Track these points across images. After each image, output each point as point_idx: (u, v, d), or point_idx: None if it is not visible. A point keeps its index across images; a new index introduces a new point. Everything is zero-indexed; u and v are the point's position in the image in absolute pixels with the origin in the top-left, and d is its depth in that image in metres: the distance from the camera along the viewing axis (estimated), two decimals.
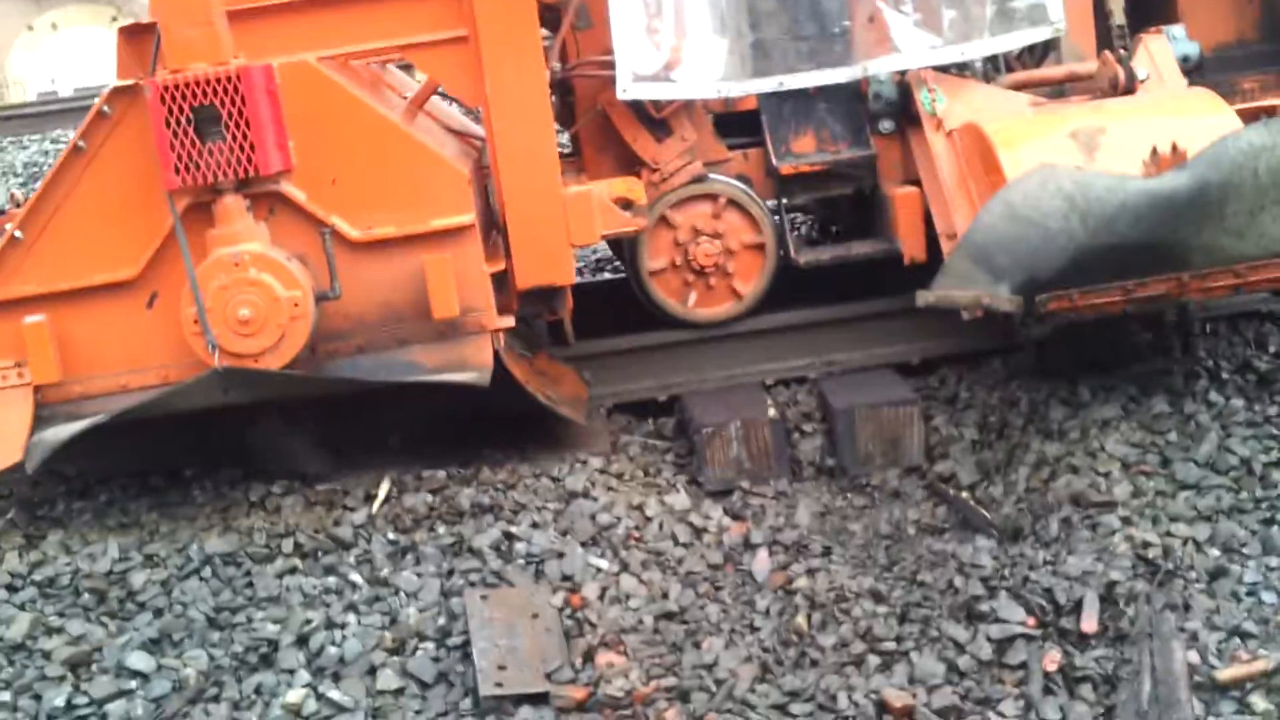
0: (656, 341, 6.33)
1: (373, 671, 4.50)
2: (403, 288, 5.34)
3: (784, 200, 6.55)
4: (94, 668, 4.58)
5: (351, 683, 4.46)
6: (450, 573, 4.97)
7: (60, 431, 5.27)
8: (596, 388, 6.25)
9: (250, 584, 4.97)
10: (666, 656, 4.52)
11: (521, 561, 5.00)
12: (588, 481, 5.51)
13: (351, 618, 4.74)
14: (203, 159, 5.01)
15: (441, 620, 4.70)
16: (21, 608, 4.87)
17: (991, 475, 5.54)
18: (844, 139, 6.42)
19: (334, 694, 4.40)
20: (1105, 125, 5.43)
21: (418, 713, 4.35)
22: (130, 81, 5.20)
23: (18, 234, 5.26)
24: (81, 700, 4.45)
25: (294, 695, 4.40)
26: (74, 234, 5.27)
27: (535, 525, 5.21)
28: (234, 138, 5.01)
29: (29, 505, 5.45)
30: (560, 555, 5.02)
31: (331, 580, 4.96)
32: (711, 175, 6.38)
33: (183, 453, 5.80)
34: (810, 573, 4.98)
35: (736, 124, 6.71)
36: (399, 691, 4.43)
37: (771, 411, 5.91)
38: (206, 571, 5.03)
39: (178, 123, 4.99)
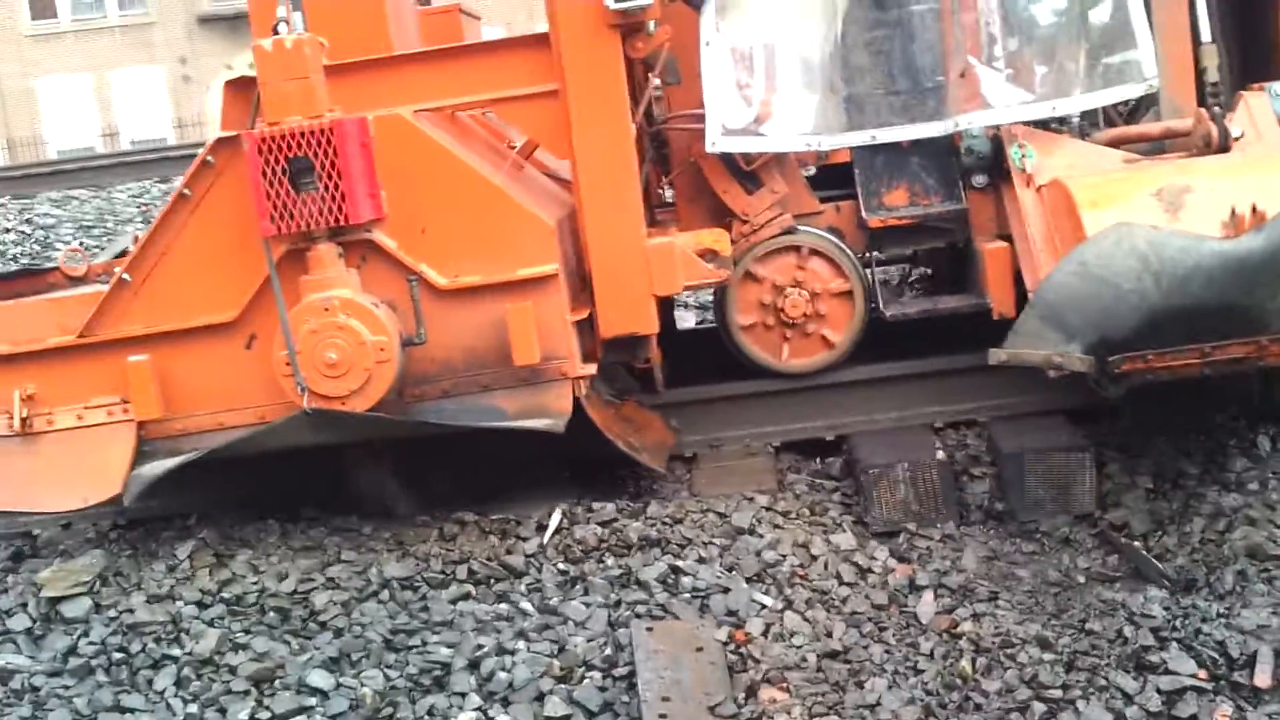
0: (826, 381, 6.36)
1: (541, 698, 4.60)
2: (487, 334, 5.48)
3: (875, 253, 6.56)
4: (277, 684, 4.77)
5: (520, 708, 4.56)
6: (618, 604, 5.06)
7: (156, 467, 5.52)
8: (764, 425, 6.31)
9: (426, 608, 5.13)
10: (829, 695, 4.54)
11: (687, 595, 5.07)
12: (754, 518, 5.57)
13: (521, 644, 4.86)
14: (297, 208, 5.22)
15: (608, 650, 4.79)
16: (210, 624, 5.10)
17: (1165, 525, 5.44)
18: (936, 193, 6.41)
19: (503, 719, 4.51)
20: (1191, 184, 5.34)
21: None
22: (232, 133, 5.44)
23: (126, 276, 5.53)
24: (264, 715, 4.63)
25: (465, 718, 4.53)
26: (178, 277, 5.53)
27: (702, 560, 5.29)
28: (326, 188, 5.21)
29: (220, 526, 5.70)
30: (725, 590, 5.08)
31: (503, 607, 5.10)
32: (801, 228, 6.40)
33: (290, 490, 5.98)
34: (976, 617, 4.95)
35: (839, 176, 6.72)
36: (566, 719, 4.52)
37: (940, 454, 5.90)
38: (385, 595, 5.21)
39: (273, 173, 5.22)
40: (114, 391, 5.56)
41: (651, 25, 5.80)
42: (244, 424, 5.56)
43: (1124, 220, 5.15)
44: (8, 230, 13.46)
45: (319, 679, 4.73)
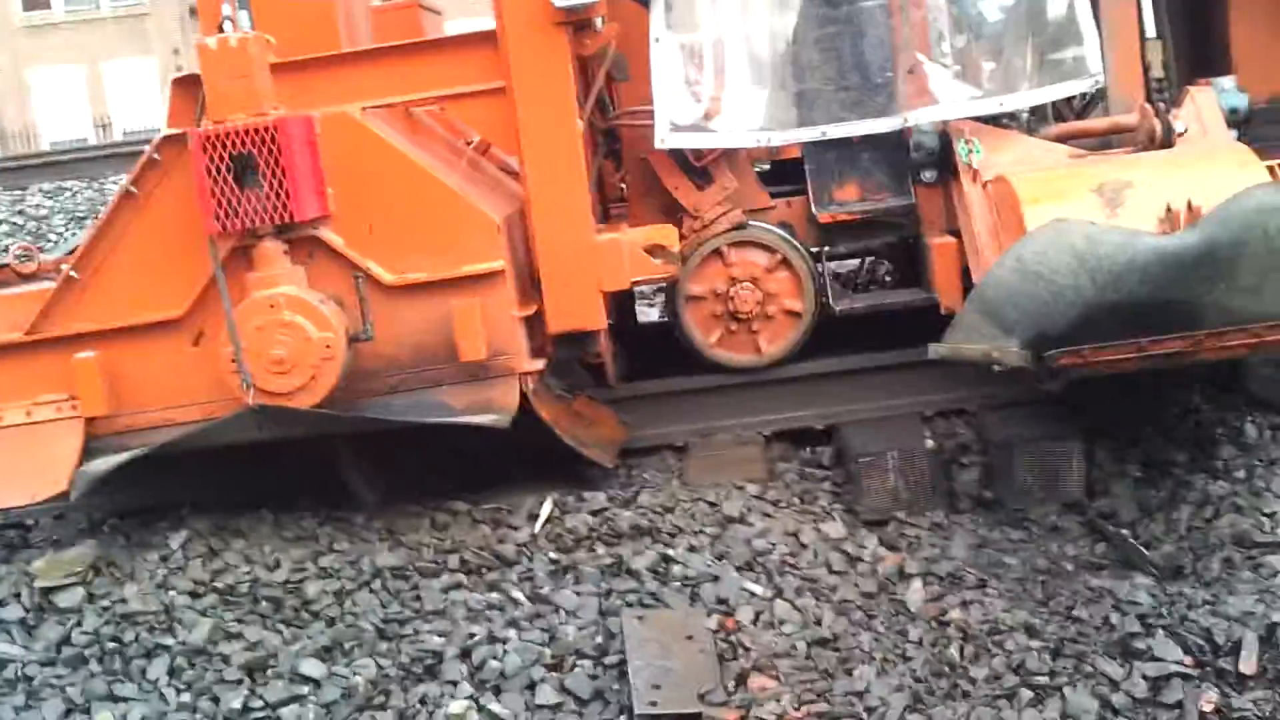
0: (814, 370, 6.38)
1: (532, 686, 4.64)
2: (434, 330, 5.50)
3: (825, 248, 6.59)
4: (269, 672, 4.80)
5: (512, 696, 4.60)
6: (609, 593, 5.09)
7: (103, 463, 5.53)
8: (754, 415, 6.33)
9: (418, 597, 5.17)
10: (818, 682, 4.58)
11: (678, 584, 5.11)
12: (744, 507, 5.61)
13: (513, 633, 4.89)
14: (241, 205, 5.24)
15: (599, 639, 4.82)
16: (203, 613, 5.11)
17: (1153, 513, 5.48)
18: (887, 188, 6.43)
19: (494, 707, 4.55)
20: (1132, 180, 5.38)
21: None
22: (178, 130, 5.46)
23: (73, 274, 5.55)
24: (257, 704, 4.66)
25: (456, 706, 4.56)
26: (125, 274, 5.54)
27: (692, 549, 5.33)
28: (271, 185, 5.23)
29: (213, 516, 5.71)
30: (716, 579, 5.11)
31: (495, 596, 5.14)
32: (752, 223, 6.43)
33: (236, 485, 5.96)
34: (964, 604, 4.99)
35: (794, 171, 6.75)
36: (557, 707, 4.56)
37: (929, 442, 5.94)
38: (377, 584, 5.24)
39: (218, 170, 5.23)
40: (62, 388, 5.57)
41: (599, 22, 5.85)
42: (192, 420, 5.57)
43: (1062, 216, 5.19)
44: (0, 221, 13.46)
45: (311, 668, 4.76)
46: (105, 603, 5.15)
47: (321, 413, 5.37)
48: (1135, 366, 5.22)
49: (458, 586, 5.23)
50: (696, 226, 6.39)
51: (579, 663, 4.73)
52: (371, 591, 5.21)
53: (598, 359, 6.28)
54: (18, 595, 5.25)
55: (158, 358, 5.56)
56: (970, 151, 5.92)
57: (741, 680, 4.57)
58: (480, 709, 4.54)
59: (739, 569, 5.22)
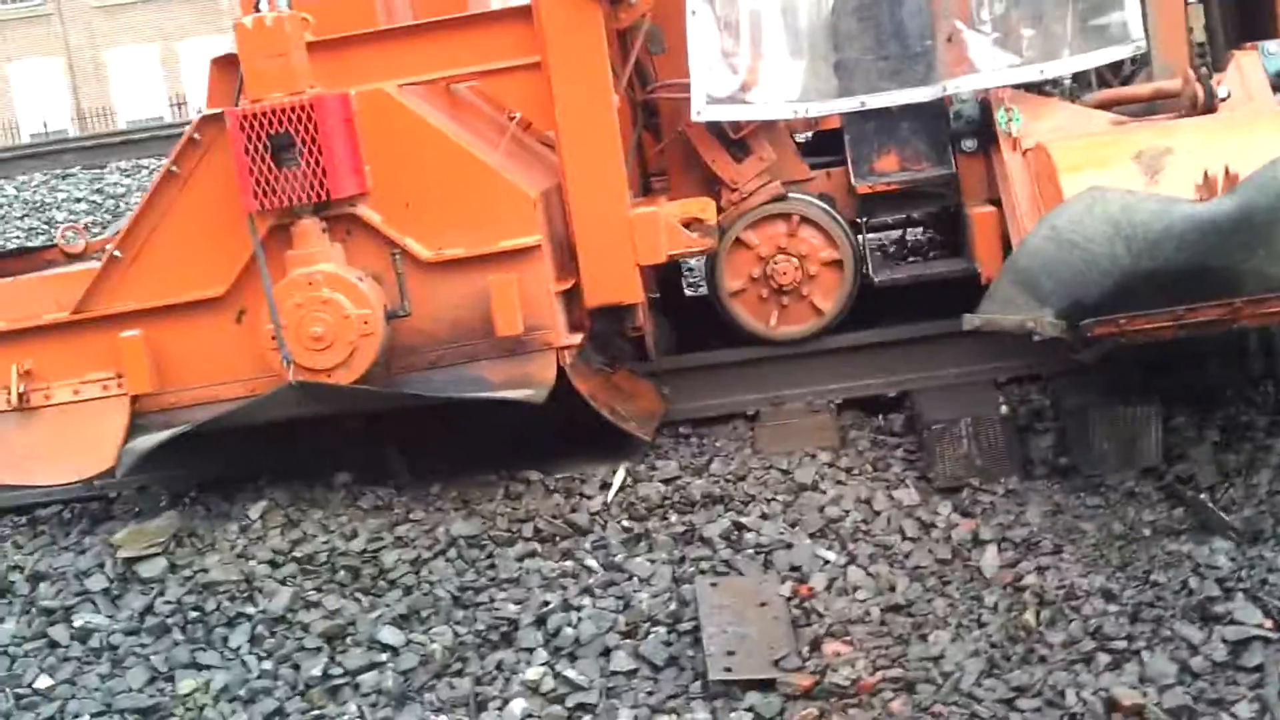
0: (887, 338, 6.36)
1: (607, 653, 4.67)
2: (472, 306, 5.52)
3: (865, 218, 6.54)
4: (348, 640, 4.87)
5: (587, 663, 4.63)
6: (681, 560, 5.12)
7: (148, 440, 5.63)
8: (826, 383, 6.31)
9: (493, 565, 5.22)
10: (893, 648, 4.57)
11: (751, 551, 5.12)
12: (817, 475, 5.60)
13: (587, 601, 4.93)
14: (279, 184, 5.29)
15: (673, 606, 4.84)
16: (283, 582, 5.20)
17: (1232, 477, 5.40)
18: (927, 158, 6.36)
19: (570, 673, 4.57)
20: (1172, 146, 5.29)
21: (649, 694, 4.49)
22: (217, 110, 5.51)
23: (117, 253, 5.63)
24: (336, 671, 4.73)
25: (533, 673, 4.60)
26: (168, 253, 5.61)
27: (764, 516, 5.33)
28: (308, 163, 5.27)
29: (291, 487, 5.80)
30: (789, 546, 5.12)
31: (569, 564, 5.18)
32: (791, 194, 6.38)
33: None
34: (1040, 570, 4.95)
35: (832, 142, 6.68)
36: (632, 673, 4.59)
37: (1004, 409, 5.89)
38: (452, 553, 5.30)
39: (256, 149, 5.28)
40: (108, 366, 5.67)
41: None
42: (235, 396, 5.64)
43: (1100, 184, 5.12)
44: (79, 199, 13.68)
45: (389, 635, 4.82)
46: (187, 572, 5.25)
47: (359, 389, 5.43)
48: (1173, 335, 5.16)
49: (532, 555, 5.28)
50: (735, 199, 6.36)
51: (653, 629, 4.75)
52: (447, 560, 5.27)
53: (638, 332, 6.27)
54: (102, 566, 5.36)
55: (201, 335, 5.64)
56: (1010, 119, 5.86)
57: (815, 646, 4.58)
58: (556, 675, 4.57)
59: (812, 536, 5.22)
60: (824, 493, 5.50)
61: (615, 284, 5.83)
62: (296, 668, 4.77)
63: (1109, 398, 5.77)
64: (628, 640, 4.72)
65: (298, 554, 5.34)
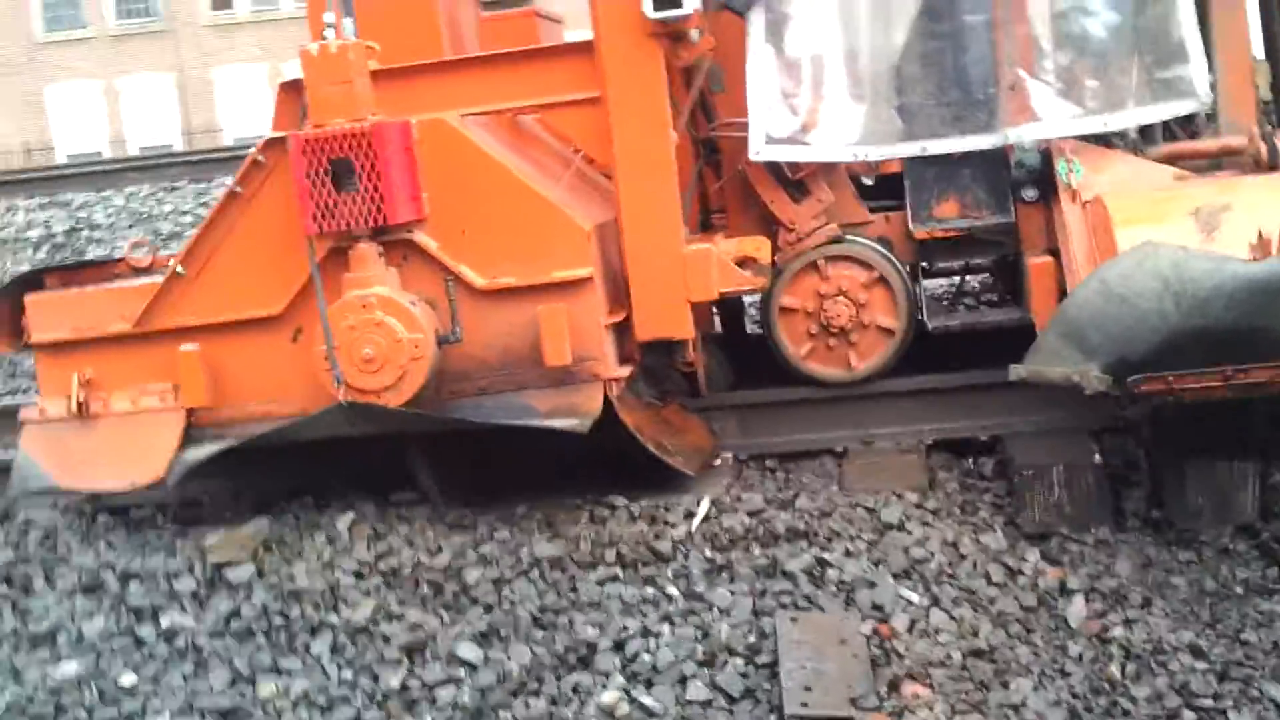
0: (981, 380, 6.28)
1: (683, 681, 4.66)
2: (522, 334, 5.56)
3: (923, 264, 6.51)
4: (428, 654, 4.91)
5: (663, 690, 4.62)
6: (763, 593, 5.09)
7: (198, 452, 5.74)
8: (917, 423, 6.27)
9: (574, 588, 5.23)
10: (973, 693, 4.52)
11: (833, 588, 5.08)
12: (903, 515, 5.56)
13: (666, 628, 4.92)
14: (338, 208, 5.38)
15: (752, 638, 4.82)
16: (367, 594, 5.25)
17: None
18: (987, 206, 6.30)
19: (646, 699, 4.58)
20: (1231, 203, 5.21)
21: None
22: (281, 134, 5.61)
23: (180, 269, 5.75)
24: (414, 684, 4.77)
25: (608, 697, 4.61)
26: (229, 271, 5.73)
27: (848, 553, 5.30)
28: (366, 189, 5.35)
29: (378, 500, 5.86)
30: (871, 585, 5.08)
31: (649, 591, 5.17)
32: (849, 237, 6.37)
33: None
34: (1128, 623, 4.88)
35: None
36: (708, 703, 4.57)
37: (1097, 458, 5.80)
38: (534, 573, 5.32)
39: (316, 174, 5.38)
40: (166, 378, 5.79)
41: (695, 33, 5.86)
42: (288, 414, 5.73)
43: (1154, 239, 5.08)
44: (184, 212, 13.93)
45: (468, 651, 4.85)
46: (274, 579, 5.32)
47: (408, 411, 5.49)
48: (1221, 395, 5.08)
49: (613, 580, 5.28)
50: (792, 239, 6.37)
51: (731, 660, 4.73)
52: (529, 580, 5.29)
53: (690, 367, 6.30)
54: (191, 569, 5.44)
55: (257, 352, 5.76)
56: (1070, 170, 5.80)
57: (894, 687, 4.53)
58: (632, 701, 4.58)
59: (896, 576, 5.17)
60: (910, 533, 5.45)
61: (666, 319, 5.86)
62: (375, 678, 4.82)
63: (1205, 451, 5.67)
64: (705, 669, 4.71)
65: (383, 567, 5.39)
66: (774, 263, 6.21)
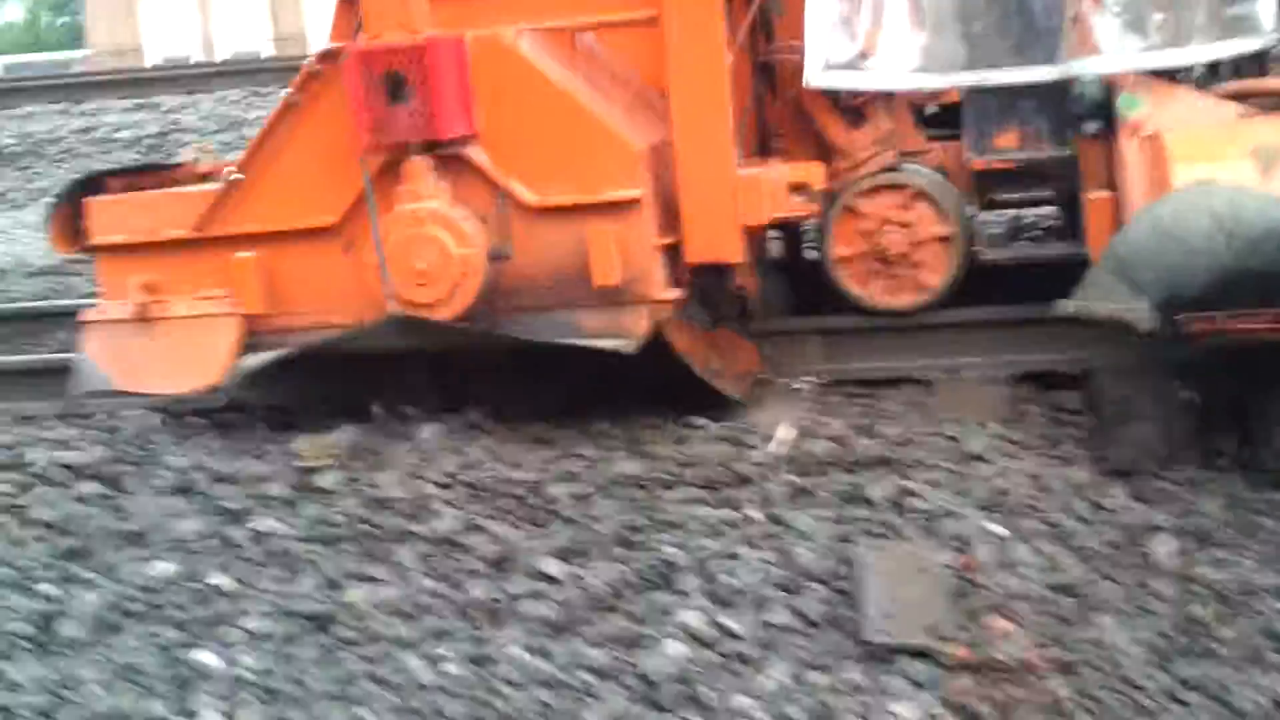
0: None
1: (763, 604, 4.68)
2: (572, 253, 5.53)
3: (979, 195, 6.41)
4: (511, 567, 4.96)
5: (742, 612, 4.65)
6: (844, 519, 5.09)
7: (254, 360, 5.79)
8: (1004, 354, 6.20)
9: (655, 507, 5.25)
10: (1055, 627, 4.50)
11: (914, 517, 5.07)
12: (987, 445, 5.52)
13: (746, 550, 4.94)
14: (391, 120, 5.37)
15: (831, 564, 4.83)
16: (450, 505, 5.31)
17: None
18: (1048, 139, 6.18)
19: (726, 620, 4.61)
20: None
21: (803, 650, 4.50)
22: (337, 45, 5.61)
23: (239, 175, 5.77)
24: (498, 595, 4.82)
25: (688, 616, 4.64)
26: (285, 181, 5.75)
27: (931, 483, 5.27)
28: (418, 103, 5.33)
29: (463, 413, 5.93)
30: (953, 515, 5.06)
31: (730, 513, 5.18)
32: (905, 165, 6.27)
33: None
34: (1215, 563, 4.82)
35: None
36: (787, 627, 4.59)
37: (1186, 394, 5.72)
38: (616, 491, 5.34)
39: (370, 87, 5.37)
40: (224, 285, 5.84)
41: None
42: (342, 324, 5.76)
43: (1210, 177, 5.00)
44: None
45: (551, 566, 4.90)
46: (361, 486, 5.39)
47: (455, 326, 5.51)
48: (1273, 337, 5.02)
49: (695, 500, 5.30)
50: (846, 166, 6.30)
51: (811, 586, 4.75)
52: (611, 498, 5.33)
53: (741, 291, 6.27)
54: (281, 473, 5.53)
55: (312, 262, 5.79)
56: (1130, 105, 5.66)
57: (975, 619, 4.53)
58: (712, 622, 4.61)
59: (978, 507, 5.15)
60: (993, 464, 5.42)
61: (717, 242, 5.81)
62: (459, 588, 4.88)
63: None
64: (784, 593, 4.73)
65: (467, 478, 5.44)
66: (830, 189, 6.17)
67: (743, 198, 5.76)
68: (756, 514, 5.18)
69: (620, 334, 5.55)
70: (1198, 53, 5.82)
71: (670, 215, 5.77)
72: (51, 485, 5.52)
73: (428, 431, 5.71)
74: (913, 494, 5.20)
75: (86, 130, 14.27)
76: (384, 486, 5.35)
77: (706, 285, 6.07)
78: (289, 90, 5.78)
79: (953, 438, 5.65)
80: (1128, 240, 5.16)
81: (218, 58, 31.34)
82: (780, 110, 6.59)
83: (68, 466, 5.60)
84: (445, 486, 5.40)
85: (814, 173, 5.92)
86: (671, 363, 5.73)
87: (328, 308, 5.81)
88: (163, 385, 6.02)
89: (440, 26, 5.56)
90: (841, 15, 6.03)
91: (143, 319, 5.94)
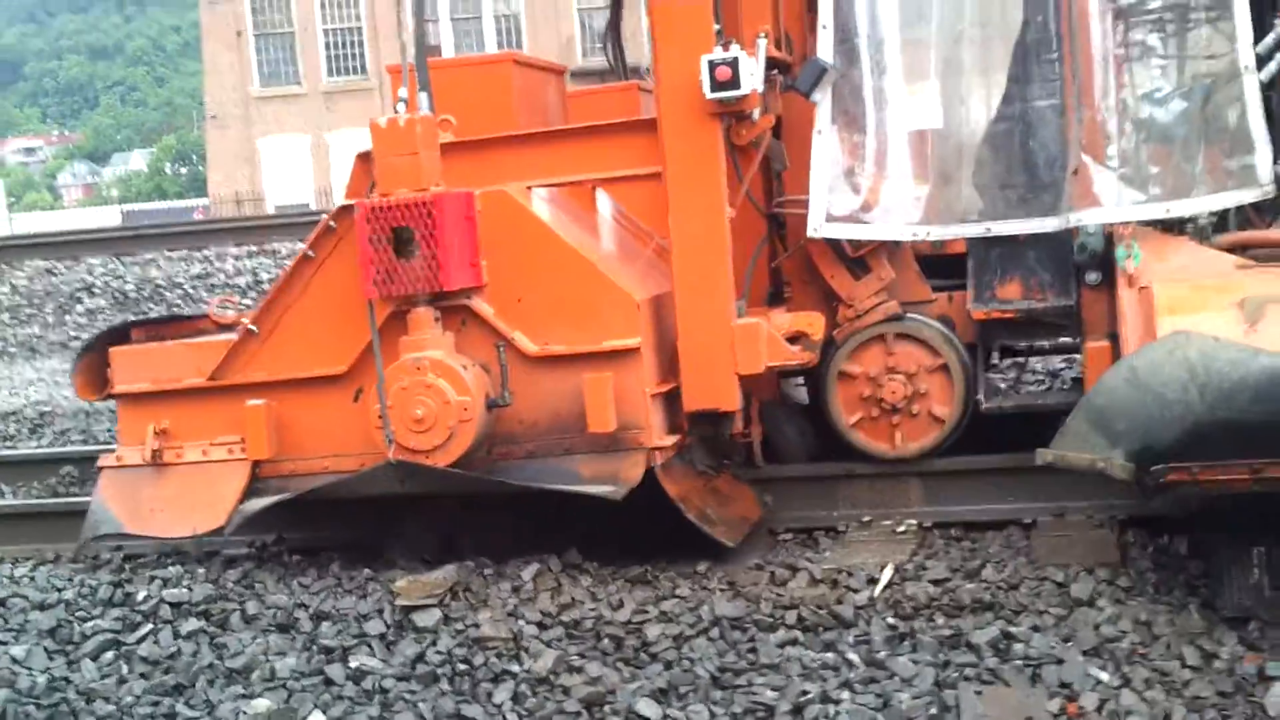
0: None
1: None
2: (571, 400, 5.71)
3: (982, 344, 6.49)
4: (607, 708, 4.91)
5: None
6: (946, 664, 5.00)
7: (257, 503, 6.01)
8: (1111, 498, 6.10)
9: (754, 649, 5.21)
10: None
11: (1019, 663, 4.97)
12: (1094, 590, 5.41)
13: (846, 695, 4.86)
14: (398, 273, 5.61)
15: (934, 710, 4.73)
16: (549, 644, 5.31)
17: None
18: (1051, 288, 6.22)
19: None
20: (1278, 295, 5.05)
21: None
22: (350, 202, 5.85)
23: (253, 328, 6.05)
24: None
25: None
26: (299, 331, 6.02)
27: (1036, 628, 5.18)
28: (425, 256, 5.57)
29: (563, 553, 5.95)
30: (1059, 661, 4.95)
31: (830, 656, 5.12)
32: (910, 315, 6.36)
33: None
34: None
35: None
36: None
37: None
38: (715, 632, 5.32)
39: (379, 240, 5.63)
40: (236, 431, 6.07)
41: (755, 112, 5.98)
42: (347, 470, 5.98)
43: (1191, 328, 5.02)
44: None
45: (647, 708, 4.85)
46: (459, 625, 5.41)
47: (452, 471, 5.67)
48: (1249, 488, 4.97)
49: (794, 642, 5.25)
50: (850, 315, 6.41)
51: None
52: (709, 639, 5.29)
53: (746, 438, 6.39)
54: (380, 611, 5.57)
55: (321, 409, 6.04)
56: (1129, 256, 5.69)
57: None
58: None
59: (1085, 653, 5.03)
60: (1101, 610, 5.30)
61: (713, 390, 5.95)
62: None
63: None
64: None
65: (565, 618, 5.45)
66: (833, 338, 6.35)
67: (740, 347, 5.90)
68: (856, 657, 5.11)
69: (613, 480, 5.70)
70: (1195, 204, 5.90)
71: (670, 363, 5.95)
72: (156, 622, 5.60)
73: (527, 571, 5.73)
74: (1017, 639, 5.10)
75: (204, 275, 14.75)
76: (483, 625, 5.37)
77: (713, 432, 6.20)
78: (305, 244, 6.06)
79: (1059, 583, 5.56)
80: (1104, 390, 5.18)
81: (333, 204, 32.28)
82: (789, 261, 6.74)
83: (173, 604, 5.69)
84: (542, 626, 5.41)
85: (814, 322, 6.12)
86: (668, 508, 5.83)
87: (334, 453, 6.05)
88: (170, 529, 6.28)
89: (455, 178, 5.85)
90: (845, 169, 6.24)
91: (157, 464, 6.22)
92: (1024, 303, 6.32)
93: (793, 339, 6.07)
